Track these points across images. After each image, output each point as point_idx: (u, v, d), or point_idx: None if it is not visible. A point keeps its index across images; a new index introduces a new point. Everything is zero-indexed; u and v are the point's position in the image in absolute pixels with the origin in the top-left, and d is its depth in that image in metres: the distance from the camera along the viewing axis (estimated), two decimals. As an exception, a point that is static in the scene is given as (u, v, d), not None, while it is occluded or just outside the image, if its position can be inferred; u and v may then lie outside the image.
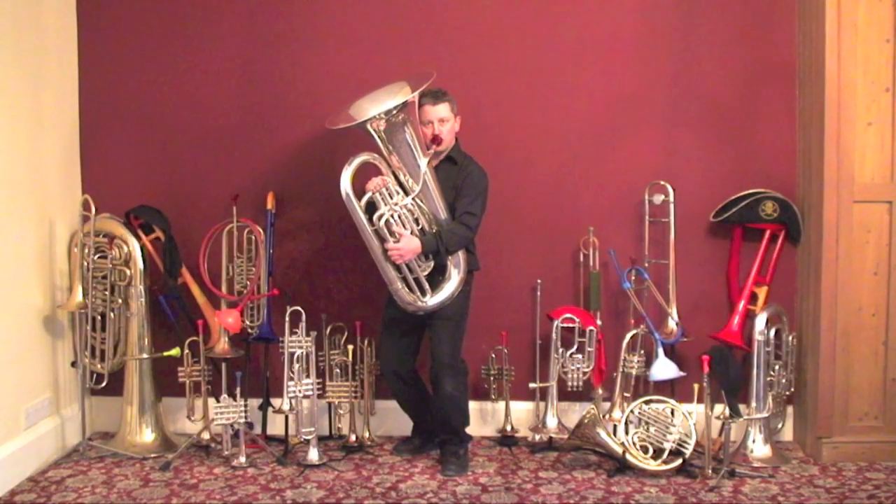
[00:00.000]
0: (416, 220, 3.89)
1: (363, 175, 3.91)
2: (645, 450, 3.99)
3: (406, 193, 3.89)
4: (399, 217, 3.86)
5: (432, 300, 3.91)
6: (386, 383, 4.23)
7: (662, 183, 4.34)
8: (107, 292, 4.24)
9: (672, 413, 4.02)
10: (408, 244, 3.84)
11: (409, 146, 3.88)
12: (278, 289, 4.34)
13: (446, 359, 3.99)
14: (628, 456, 3.95)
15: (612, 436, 4.03)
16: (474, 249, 4.08)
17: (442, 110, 3.95)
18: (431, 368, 4.02)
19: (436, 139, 3.91)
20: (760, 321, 4.18)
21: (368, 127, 3.85)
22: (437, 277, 3.95)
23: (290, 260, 4.53)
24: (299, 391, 4.03)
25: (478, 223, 3.98)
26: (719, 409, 4.05)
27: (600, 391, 4.31)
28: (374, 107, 3.85)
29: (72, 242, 4.32)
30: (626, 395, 4.29)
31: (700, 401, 3.96)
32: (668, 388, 4.30)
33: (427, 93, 3.94)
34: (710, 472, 3.91)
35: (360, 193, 3.87)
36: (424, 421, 4.23)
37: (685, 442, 3.96)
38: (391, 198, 3.87)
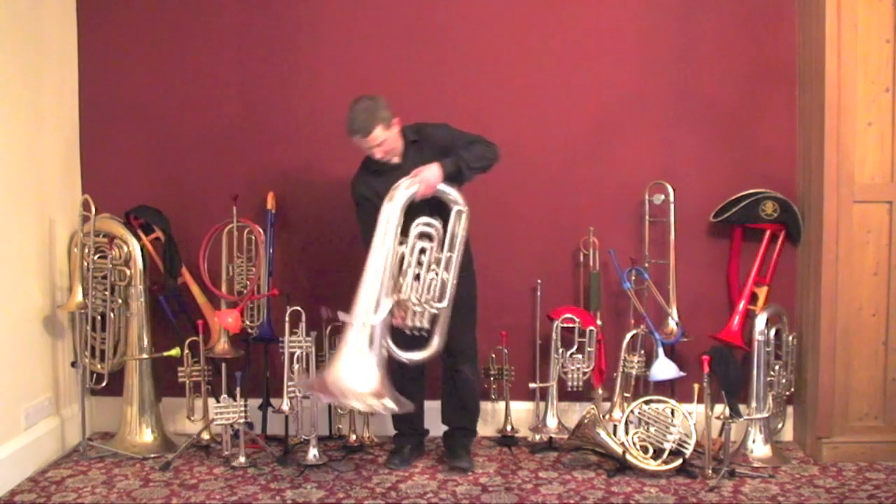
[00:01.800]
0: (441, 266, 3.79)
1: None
2: (645, 450, 3.99)
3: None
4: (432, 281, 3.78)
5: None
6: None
7: (662, 183, 4.34)
8: (107, 292, 4.24)
9: (672, 413, 4.02)
10: (426, 173, 3.71)
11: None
12: (278, 289, 4.34)
13: (470, 349, 4.02)
14: (628, 456, 3.95)
15: (612, 436, 4.03)
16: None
17: (375, 139, 3.77)
18: (449, 358, 3.99)
19: (380, 164, 3.85)
20: (760, 321, 4.17)
21: None
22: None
23: (291, 260, 4.53)
24: (299, 391, 4.03)
25: (488, 140, 3.87)
26: (719, 409, 4.05)
27: (600, 391, 4.30)
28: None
29: (72, 242, 4.32)
30: (626, 395, 4.29)
31: (700, 401, 3.96)
32: (668, 388, 4.30)
33: (351, 128, 3.75)
34: (710, 472, 3.91)
35: None
36: (418, 419, 4.21)
37: (685, 442, 3.96)
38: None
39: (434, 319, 3.77)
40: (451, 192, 3.80)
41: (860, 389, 4.16)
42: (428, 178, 3.72)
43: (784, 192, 4.32)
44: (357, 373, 3.56)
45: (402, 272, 3.73)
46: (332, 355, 3.71)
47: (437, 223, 3.79)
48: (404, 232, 3.73)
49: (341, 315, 3.69)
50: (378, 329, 3.60)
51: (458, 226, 3.79)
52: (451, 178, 3.79)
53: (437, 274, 3.76)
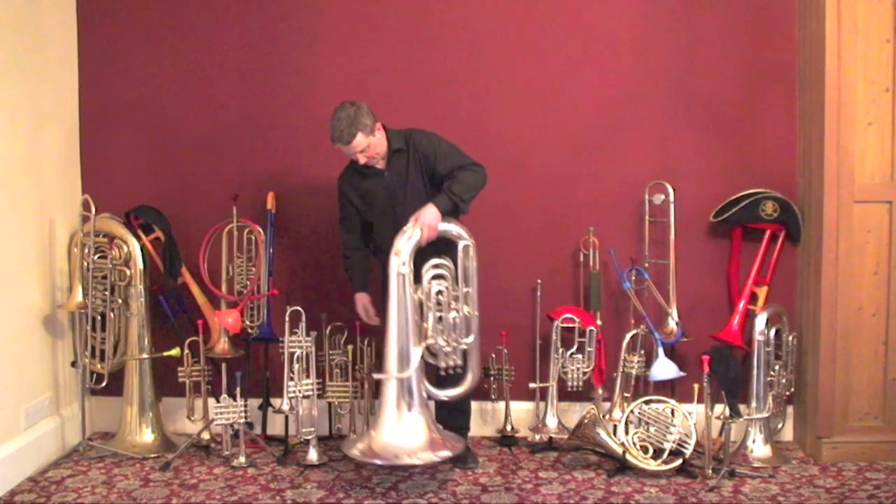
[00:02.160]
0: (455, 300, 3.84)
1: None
2: (645, 450, 3.99)
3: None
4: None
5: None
6: None
7: (662, 183, 4.34)
8: (107, 292, 4.24)
9: (672, 413, 4.02)
10: (425, 216, 3.73)
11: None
12: (278, 289, 4.34)
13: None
14: (628, 456, 3.95)
15: (612, 436, 4.03)
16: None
17: (357, 146, 3.80)
18: None
19: (365, 167, 3.89)
20: (760, 321, 4.17)
21: None
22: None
23: (291, 260, 4.53)
24: (299, 391, 4.03)
25: (473, 161, 3.88)
26: (719, 409, 4.05)
27: (600, 391, 4.31)
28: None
29: (72, 242, 4.32)
30: (626, 395, 4.29)
31: (700, 401, 3.96)
32: (668, 388, 4.30)
33: (333, 136, 3.78)
34: (710, 472, 3.91)
35: None
36: None
37: (685, 442, 3.96)
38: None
39: (465, 354, 3.84)
40: (454, 229, 3.83)
41: (860, 389, 4.16)
42: (428, 221, 3.73)
43: (784, 192, 4.32)
44: (403, 431, 3.65)
45: (423, 317, 3.77)
46: (375, 418, 3.75)
47: (447, 262, 3.83)
48: (417, 278, 3.78)
49: (375, 375, 3.78)
50: (414, 378, 3.67)
51: (468, 260, 3.83)
52: (449, 212, 3.81)
53: (458, 311, 3.80)
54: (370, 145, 3.84)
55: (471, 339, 3.83)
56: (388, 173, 3.95)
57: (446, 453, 3.65)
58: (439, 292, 3.79)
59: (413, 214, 3.76)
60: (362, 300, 4.13)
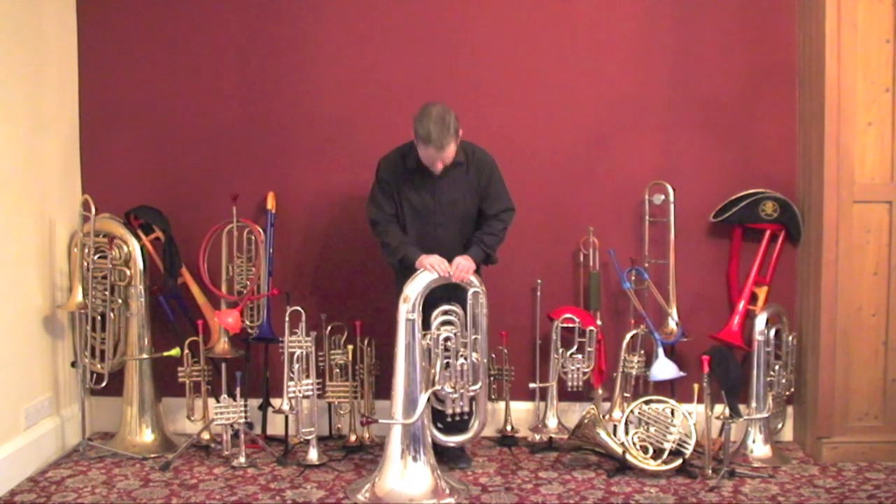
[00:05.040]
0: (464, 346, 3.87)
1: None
2: (645, 450, 3.99)
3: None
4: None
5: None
6: None
7: (662, 183, 4.34)
8: (107, 292, 4.24)
9: (672, 413, 4.02)
10: (466, 265, 3.82)
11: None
12: (278, 289, 4.34)
13: None
14: (628, 456, 3.95)
15: (612, 436, 4.03)
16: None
17: (448, 155, 3.77)
18: None
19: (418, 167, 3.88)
20: (760, 321, 4.18)
21: None
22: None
23: (291, 260, 4.53)
24: (299, 391, 4.03)
25: (512, 205, 4.01)
26: (719, 409, 4.05)
27: (600, 391, 4.31)
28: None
29: (72, 242, 4.32)
30: (626, 395, 4.29)
31: (700, 401, 3.96)
32: (668, 388, 4.30)
33: (428, 138, 3.69)
34: (710, 472, 3.91)
35: None
36: None
37: (685, 442, 3.96)
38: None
39: (472, 401, 3.87)
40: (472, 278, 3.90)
41: (860, 389, 4.16)
42: (468, 267, 3.81)
43: (784, 192, 4.33)
44: (407, 479, 3.66)
45: (431, 363, 3.79)
46: (380, 463, 3.76)
47: (456, 308, 3.86)
48: (425, 322, 3.81)
49: (382, 421, 3.78)
50: (420, 424, 3.69)
51: (478, 306, 3.86)
52: (480, 262, 3.93)
53: (465, 358, 3.81)
54: (452, 154, 3.81)
55: (478, 385, 3.85)
56: (440, 180, 3.89)
57: (450, 500, 3.67)
58: (447, 339, 3.81)
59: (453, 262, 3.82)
60: (432, 257, 3.83)
